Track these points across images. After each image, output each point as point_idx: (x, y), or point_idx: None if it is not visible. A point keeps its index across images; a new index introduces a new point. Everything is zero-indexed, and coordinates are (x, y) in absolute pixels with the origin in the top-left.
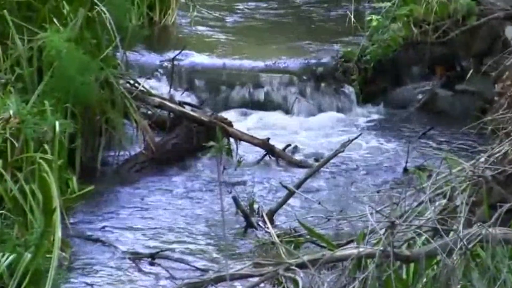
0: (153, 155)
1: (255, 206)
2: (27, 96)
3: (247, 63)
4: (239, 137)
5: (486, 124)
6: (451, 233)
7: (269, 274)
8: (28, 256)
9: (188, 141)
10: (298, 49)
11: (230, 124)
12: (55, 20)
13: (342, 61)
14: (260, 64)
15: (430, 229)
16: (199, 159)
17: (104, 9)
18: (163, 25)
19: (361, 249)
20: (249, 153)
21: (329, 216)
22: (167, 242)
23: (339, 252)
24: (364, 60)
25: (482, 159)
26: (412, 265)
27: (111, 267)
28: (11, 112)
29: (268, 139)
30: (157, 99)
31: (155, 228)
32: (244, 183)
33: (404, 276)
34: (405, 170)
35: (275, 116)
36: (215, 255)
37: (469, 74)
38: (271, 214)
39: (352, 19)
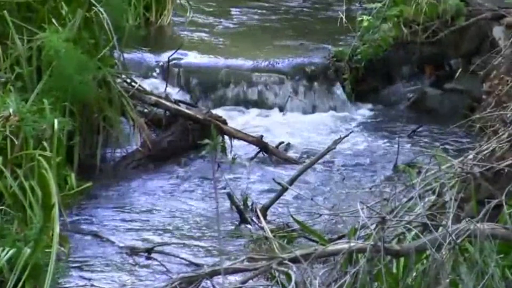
0: (150, 152)
1: (249, 202)
2: (27, 95)
3: (241, 62)
4: (234, 135)
5: (474, 122)
6: (440, 228)
7: (263, 268)
8: (27, 250)
9: (183, 138)
10: (291, 48)
11: (224, 122)
12: (54, 20)
13: (334, 60)
14: (254, 63)
15: (419, 225)
16: (194, 156)
17: (101, 10)
18: (159, 25)
19: (352, 244)
20: (243, 150)
21: (321, 212)
22: (163, 237)
23: (331, 247)
24: (356, 59)
25: (471, 156)
26: (402, 259)
27: (109, 261)
28: (11, 110)
29: (262, 136)
30: (154, 98)
31: (151, 223)
32: (238, 179)
33: (394, 270)
34: (395, 167)
35: (269, 114)
36: (210, 250)
37: (457, 73)
38: (265, 209)
39: (344, 19)
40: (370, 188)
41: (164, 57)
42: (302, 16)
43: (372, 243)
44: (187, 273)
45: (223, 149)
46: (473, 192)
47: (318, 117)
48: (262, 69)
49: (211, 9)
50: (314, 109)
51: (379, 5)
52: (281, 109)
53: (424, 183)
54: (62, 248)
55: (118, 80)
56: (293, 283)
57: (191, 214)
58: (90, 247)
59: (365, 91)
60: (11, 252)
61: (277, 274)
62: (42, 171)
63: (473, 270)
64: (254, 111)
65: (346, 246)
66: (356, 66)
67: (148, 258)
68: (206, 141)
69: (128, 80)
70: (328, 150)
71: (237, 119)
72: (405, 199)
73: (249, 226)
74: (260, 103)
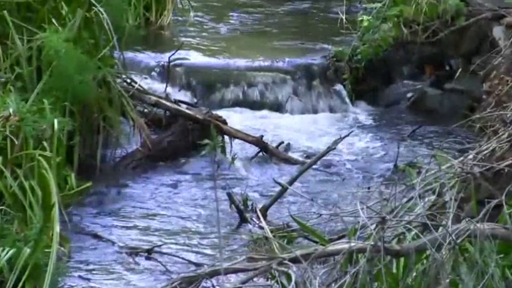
0: (150, 152)
1: (249, 202)
2: (27, 95)
3: (241, 62)
4: (233, 135)
5: (474, 122)
6: (440, 228)
7: (263, 268)
8: (27, 250)
9: (183, 138)
10: (291, 48)
11: (224, 122)
12: (54, 20)
13: (334, 60)
14: (254, 63)
15: (419, 225)
16: (194, 156)
17: (101, 9)
18: (159, 25)
19: (352, 244)
20: (243, 150)
21: (321, 212)
22: (163, 237)
23: (331, 247)
24: (356, 59)
25: (471, 156)
26: (402, 259)
27: (109, 261)
28: (11, 110)
29: (262, 136)
30: (153, 98)
31: (151, 223)
32: (238, 179)
33: (394, 270)
34: (396, 167)
35: (269, 115)
36: (209, 250)
37: (457, 73)
38: (265, 209)
39: (344, 19)
40: (370, 188)
41: (164, 57)
42: (302, 16)
43: (372, 243)
44: (187, 273)
45: (223, 149)
46: (473, 192)
47: (318, 117)
48: (262, 69)
49: (211, 9)
50: (314, 109)
51: (379, 5)
52: (281, 109)
53: (424, 183)
54: (62, 248)
55: (118, 80)
56: (293, 283)
57: (191, 214)
58: (90, 247)
59: (365, 91)
60: (11, 252)
61: (277, 274)
62: (42, 171)
63: (473, 270)
64: (254, 111)
65: (346, 246)
66: (356, 66)
67: (148, 258)
68: (206, 141)
69: (128, 80)
70: (328, 150)
71: (237, 119)
72: (405, 199)
73: (249, 226)
74: (260, 103)
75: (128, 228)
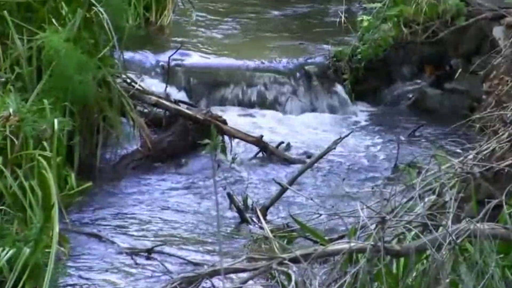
0: (150, 152)
1: (249, 202)
2: (27, 95)
3: (241, 62)
4: (233, 135)
5: (474, 122)
6: (440, 228)
7: (263, 268)
8: (27, 250)
9: (183, 138)
10: (291, 48)
11: (224, 122)
12: (54, 20)
13: (334, 60)
14: (254, 63)
15: (419, 225)
16: (194, 156)
17: (101, 10)
18: (159, 25)
19: (352, 244)
20: (243, 150)
21: (321, 212)
22: (163, 237)
23: (331, 247)
24: (356, 59)
25: (471, 156)
26: (402, 259)
27: (109, 261)
28: (11, 110)
29: (262, 136)
30: (154, 98)
31: (151, 223)
32: (238, 179)
33: (394, 270)
34: (396, 167)
35: (269, 114)
36: (210, 250)
37: (457, 73)
38: (265, 209)
39: (344, 19)
40: (370, 188)
41: (164, 57)
42: (302, 17)
43: (372, 243)
44: (187, 273)
45: (223, 149)
46: (473, 192)
47: (318, 117)
48: (262, 69)
49: (211, 10)
50: (314, 109)
51: (379, 5)
52: (281, 109)
53: (424, 183)
54: (62, 248)
55: (118, 80)
56: (293, 283)
57: (191, 214)
58: (90, 247)
59: (365, 91)
60: (11, 252)
61: (277, 274)
62: (42, 171)
63: (473, 270)
64: (254, 111)
65: (346, 246)
66: (356, 66)
67: (148, 258)
68: (206, 141)
69: (128, 80)
70: (328, 150)
71: (237, 119)
72: (405, 199)
73: (249, 226)
74: (260, 103)
75: (128, 228)
